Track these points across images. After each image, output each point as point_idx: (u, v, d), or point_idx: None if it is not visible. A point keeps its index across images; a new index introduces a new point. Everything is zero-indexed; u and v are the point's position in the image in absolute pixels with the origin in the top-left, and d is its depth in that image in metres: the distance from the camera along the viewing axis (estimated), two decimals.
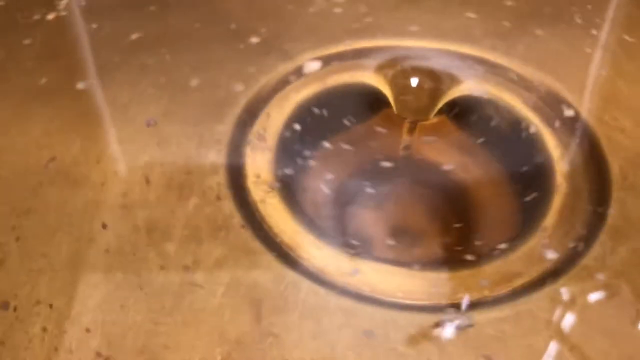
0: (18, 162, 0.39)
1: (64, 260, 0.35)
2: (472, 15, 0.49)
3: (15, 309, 0.33)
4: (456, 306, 0.34)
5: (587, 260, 0.35)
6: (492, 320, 0.33)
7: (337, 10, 0.50)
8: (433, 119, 0.45)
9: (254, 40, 0.47)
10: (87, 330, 0.32)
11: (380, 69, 0.45)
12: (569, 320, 0.33)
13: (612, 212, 0.37)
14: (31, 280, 0.34)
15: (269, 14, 0.49)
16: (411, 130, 0.44)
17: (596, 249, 0.36)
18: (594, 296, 0.34)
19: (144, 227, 0.36)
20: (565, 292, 0.34)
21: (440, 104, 0.44)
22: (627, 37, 0.48)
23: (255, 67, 0.45)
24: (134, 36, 0.47)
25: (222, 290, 0.34)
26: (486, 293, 0.34)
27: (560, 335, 0.32)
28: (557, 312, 0.33)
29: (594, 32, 0.48)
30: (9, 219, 0.36)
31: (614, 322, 0.33)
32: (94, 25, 0.48)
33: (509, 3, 0.50)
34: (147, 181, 0.38)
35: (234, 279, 0.34)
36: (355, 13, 0.49)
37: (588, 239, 0.36)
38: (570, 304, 0.33)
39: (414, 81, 0.44)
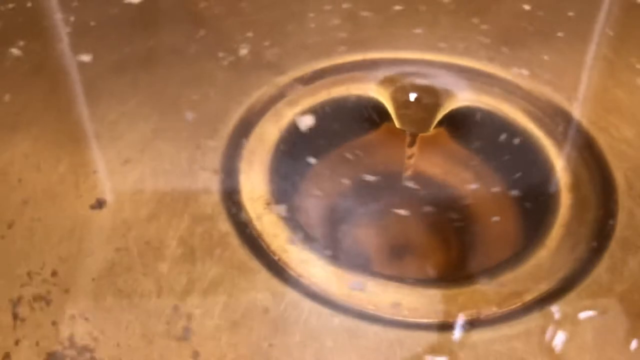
0: (1, 181, 0.37)
1: (50, 283, 0.33)
2: (470, 27, 0.49)
3: None
4: (463, 324, 0.32)
5: (598, 272, 0.34)
6: (502, 337, 0.32)
7: (331, 23, 0.49)
8: (433, 131, 0.44)
9: (246, 54, 0.46)
10: (79, 355, 0.30)
11: (378, 81, 0.44)
12: (576, 336, 0.31)
13: (621, 222, 0.36)
14: (12, 303, 0.32)
15: (261, 27, 0.48)
16: (412, 143, 0.43)
17: (606, 261, 0.35)
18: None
19: (135, 247, 0.35)
20: (575, 307, 0.32)
21: (439, 117, 0.43)
22: (624, 48, 0.47)
23: (248, 81, 0.44)
24: (123, 52, 0.46)
25: (218, 312, 0.32)
26: (495, 309, 0.33)
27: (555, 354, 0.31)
28: (568, 328, 0.32)
29: (592, 43, 0.48)
30: None
31: None
32: (82, 43, 0.47)
33: (506, 16, 0.50)
34: (138, 199, 0.37)
35: (230, 300, 0.33)
36: (349, 26, 0.48)
37: (597, 251, 0.35)
38: (575, 320, 0.32)
39: (413, 95, 0.43)
